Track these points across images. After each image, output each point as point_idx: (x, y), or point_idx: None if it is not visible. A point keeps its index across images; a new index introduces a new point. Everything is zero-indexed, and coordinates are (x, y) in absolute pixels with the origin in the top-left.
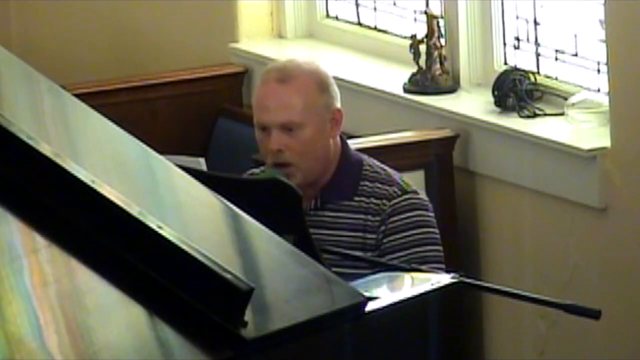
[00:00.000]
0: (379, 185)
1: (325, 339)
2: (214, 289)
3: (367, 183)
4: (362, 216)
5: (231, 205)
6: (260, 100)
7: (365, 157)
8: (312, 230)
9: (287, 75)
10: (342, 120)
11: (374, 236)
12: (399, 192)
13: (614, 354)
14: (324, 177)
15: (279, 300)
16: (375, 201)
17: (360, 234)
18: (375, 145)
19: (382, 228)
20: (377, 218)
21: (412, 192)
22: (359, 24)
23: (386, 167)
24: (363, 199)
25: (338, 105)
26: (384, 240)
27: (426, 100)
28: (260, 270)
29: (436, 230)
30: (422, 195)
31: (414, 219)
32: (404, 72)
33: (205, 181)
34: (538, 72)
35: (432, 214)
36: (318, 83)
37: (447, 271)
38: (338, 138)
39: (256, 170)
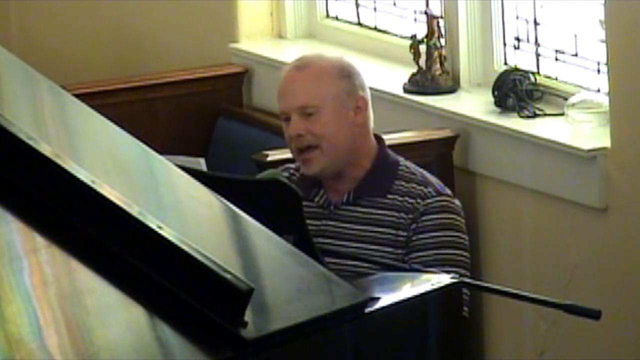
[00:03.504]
0: (415, 186)
1: (326, 339)
2: (214, 289)
3: (402, 183)
4: (395, 213)
5: (231, 205)
6: (280, 89)
7: (402, 159)
8: (343, 225)
9: (305, 62)
10: (367, 109)
11: (405, 234)
12: (434, 193)
13: (614, 354)
14: (356, 172)
15: (279, 301)
16: (410, 200)
17: (392, 230)
18: None
19: (413, 226)
20: (410, 216)
21: (447, 195)
22: (359, 24)
23: (423, 171)
24: (397, 197)
25: (364, 94)
26: (413, 238)
27: (426, 100)
28: (260, 271)
29: (465, 236)
30: (456, 200)
31: (445, 220)
32: (404, 72)
33: (205, 181)
34: (538, 72)
35: (463, 220)
36: (338, 69)
37: (447, 271)
38: (372, 136)
39: (292, 166)
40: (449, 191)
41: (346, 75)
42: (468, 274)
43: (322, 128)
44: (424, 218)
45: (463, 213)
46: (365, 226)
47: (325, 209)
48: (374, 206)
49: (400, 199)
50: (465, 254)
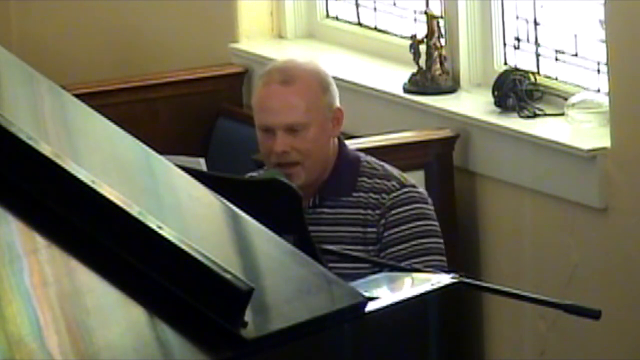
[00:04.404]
0: (378, 181)
1: (325, 339)
2: (214, 289)
3: (365, 179)
4: (361, 211)
5: (231, 205)
6: (263, 102)
7: (362, 154)
8: (312, 228)
9: (289, 76)
10: (343, 119)
11: (374, 230)
12: (398, 186)
13: (614, 354)
14: (321, 176)
15: (279, 301)
16: (374, 196)
17: (360, 228)
18: (375, 145)
19: (383, 221)
20: (377, 212)
21: (411, 185)
22: (359, 24)
23: (384, 164)
24: (362, 194)
25: (338, 104)
26: (385, 234)
27: (426, 100)
28: (260, 271)
29: (436, 223)
30: (421, 189)
31: (413, 211)
32: (404, 72)
33: (205, 181)
34: (538, 72)
35: (431, 207)
36: (320, 83)
37: (447, 271)
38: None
39: (255, 174)
40: (412, 181)
41: (326, 88)
42: (445, 259)
43: (308, 145)
44: (392, 212)
45: (430, 199)
46: (333, 227)
47: None
48: (340, 206)
49: (365, 195)
50: (439, 240)
